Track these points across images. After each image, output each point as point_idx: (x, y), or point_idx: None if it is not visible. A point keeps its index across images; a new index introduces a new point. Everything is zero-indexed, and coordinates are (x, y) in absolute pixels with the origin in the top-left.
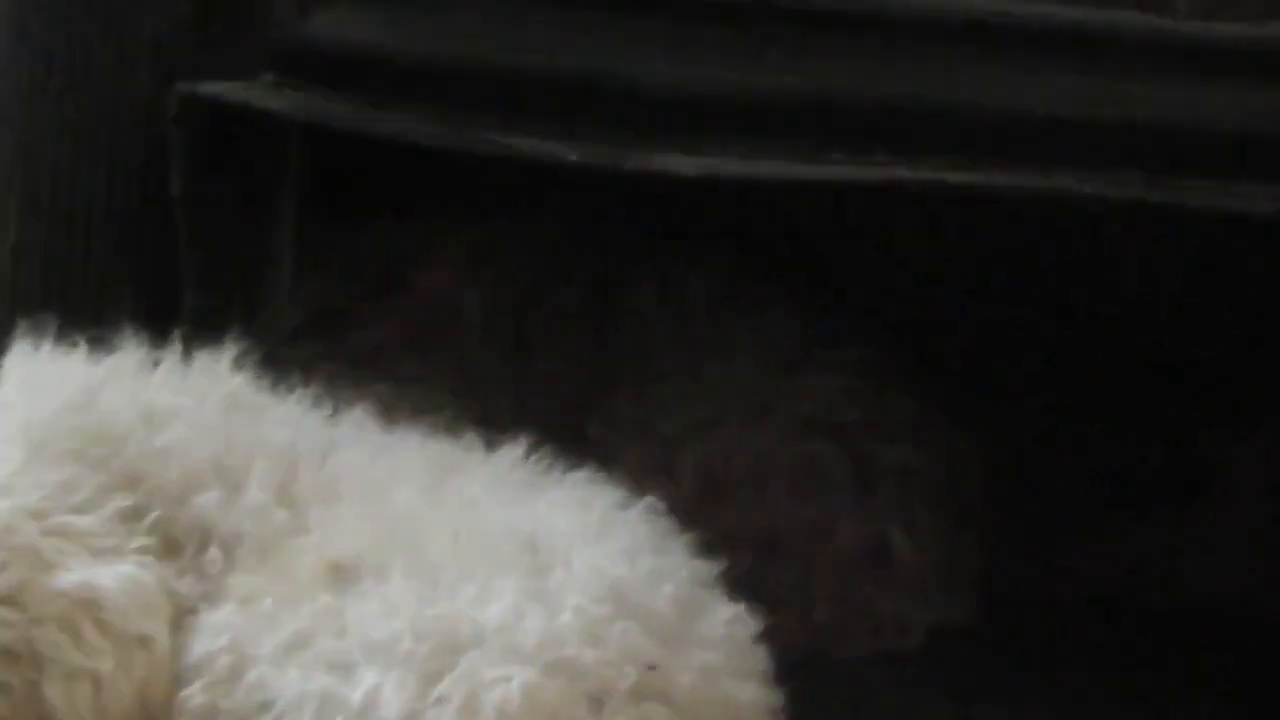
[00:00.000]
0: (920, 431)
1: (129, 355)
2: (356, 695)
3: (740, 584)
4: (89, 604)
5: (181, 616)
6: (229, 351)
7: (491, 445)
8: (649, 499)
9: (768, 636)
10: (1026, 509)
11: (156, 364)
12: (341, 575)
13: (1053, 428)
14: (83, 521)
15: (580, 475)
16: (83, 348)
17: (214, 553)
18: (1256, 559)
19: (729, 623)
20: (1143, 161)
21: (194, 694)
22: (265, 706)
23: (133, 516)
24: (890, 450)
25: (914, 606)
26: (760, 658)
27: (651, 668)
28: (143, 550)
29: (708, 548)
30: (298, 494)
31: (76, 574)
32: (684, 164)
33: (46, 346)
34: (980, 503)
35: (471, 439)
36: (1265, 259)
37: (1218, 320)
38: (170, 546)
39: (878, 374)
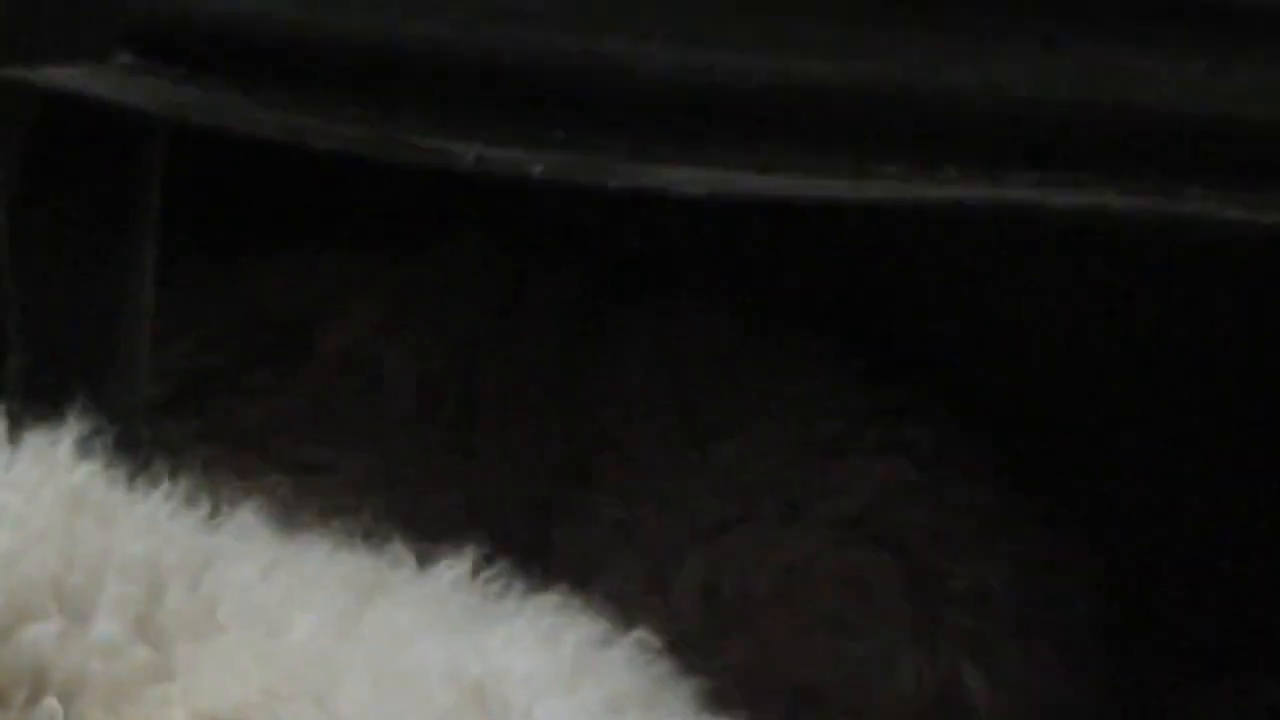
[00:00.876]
0: (1002, 538)
1: None
2: None
3: None
4: None
5: None
6: (70, 432)
7: (425, 558)
8: (638, 632)
9: None
10: (1149, 641)
11: None
12: None
13: (1186, 532)
14: None
15: (546, 599)
16: None
17: (50, 704)
18: None
19: None
20: None
21: None
22: None
23: None
24: (962, 563)
25: None
26: None
27: None
28: None
29: (719, 697)
30: (163, 625)
31: None
32: (688, 179)
33: None
34: (1085, 634)
35: (398, 550)
36: None
37: None
38: None
39: (945, 459)
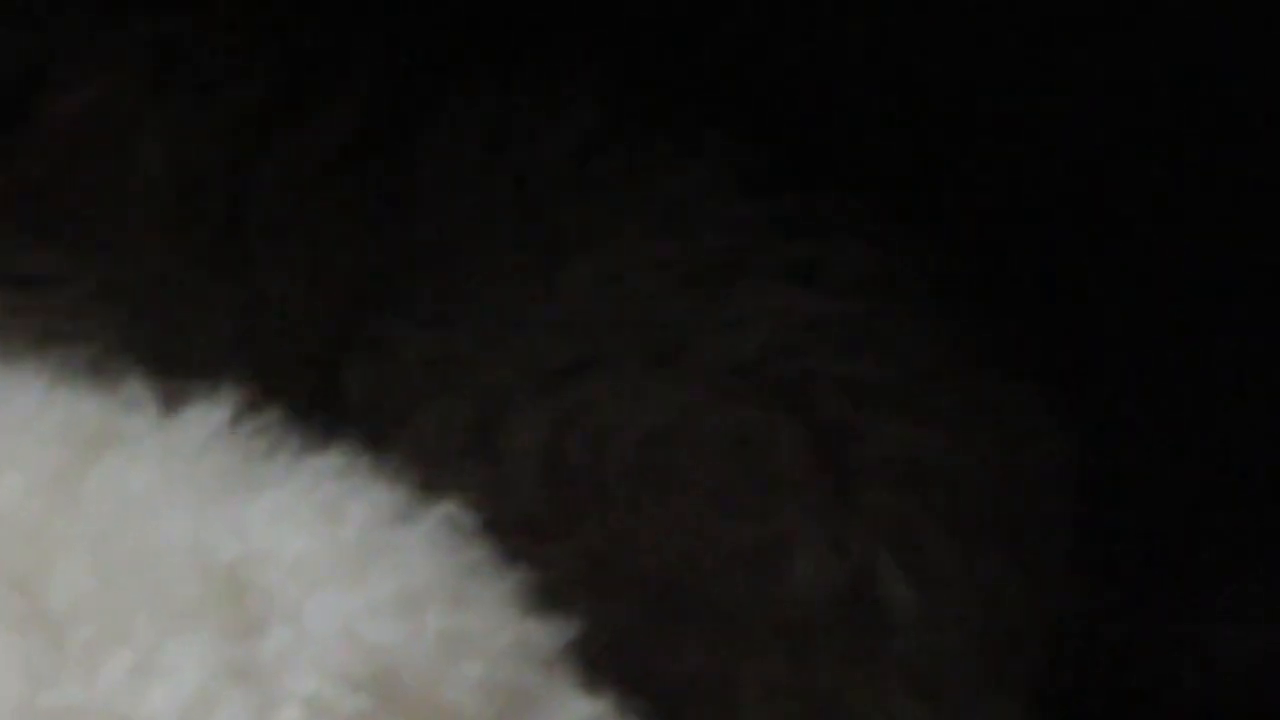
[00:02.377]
0: (941, 394)
1: None
2: None
3: (615, 657)
4: None
5: None
6: None
7: (172, 402)
8: (449, 505)
9: None
10: (1128, 545)
11: None
12: None
13: (1187, 416)
14: None
15: (327, 460)
16: None
17: None
18: None
19: None
20: None
21: None
22: None
23: None
24: (885, 425)
25: (922, 712)
26: None
27: None
28: None
29: (555, 592)
30: None
31: None
32: None
33: None
34: (1044, 528)
35: (137, 390)
36: None
37: None
38: None
39: (867, 288)
